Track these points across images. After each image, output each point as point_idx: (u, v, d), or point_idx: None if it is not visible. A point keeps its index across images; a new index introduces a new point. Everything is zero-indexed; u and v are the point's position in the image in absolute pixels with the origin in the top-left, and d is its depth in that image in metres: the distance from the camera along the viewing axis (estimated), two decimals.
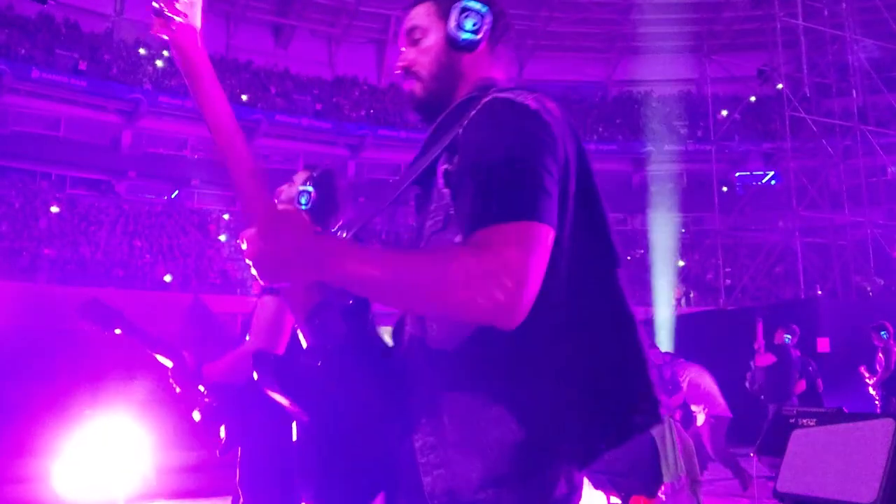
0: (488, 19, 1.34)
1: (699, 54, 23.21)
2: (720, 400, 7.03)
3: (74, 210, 22.48)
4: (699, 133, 27.45)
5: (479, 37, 1.33)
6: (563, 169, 1.15)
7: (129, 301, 18.31)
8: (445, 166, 1.20)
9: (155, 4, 1.11)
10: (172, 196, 25.90)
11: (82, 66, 24.08)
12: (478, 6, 1.33)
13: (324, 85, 29.20)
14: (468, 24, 1.32)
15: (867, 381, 7.87)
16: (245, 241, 1.08)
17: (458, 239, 1.14)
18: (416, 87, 1.35)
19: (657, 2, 24.90)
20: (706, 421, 6.94)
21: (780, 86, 18.32)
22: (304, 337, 1.27)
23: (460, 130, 1.19)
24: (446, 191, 1.19)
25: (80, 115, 24.40)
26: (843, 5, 19.03)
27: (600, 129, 30.38)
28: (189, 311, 18.59)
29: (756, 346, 7.48)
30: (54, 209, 21.90)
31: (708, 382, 7.08)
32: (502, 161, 1.11)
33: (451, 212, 1.18)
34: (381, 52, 30.48)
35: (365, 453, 1.19)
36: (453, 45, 1.33)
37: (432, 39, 1.34)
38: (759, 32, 20.42)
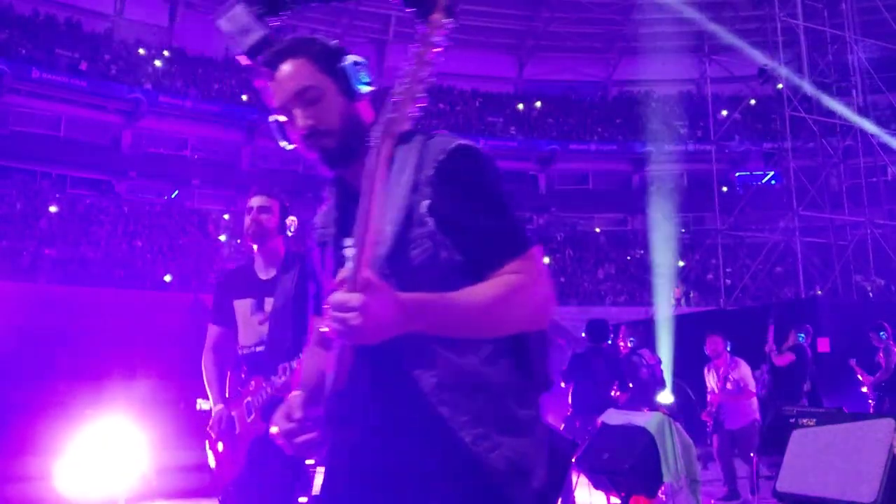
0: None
1: (699, 54, 23.20)
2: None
3: (74, 210, 22.48)
4: (699, 133, 27.45)
5: (373, 87, 1.50)
6: None
7: (129, 301, 18.30)
8: (428, 201, 1.40)
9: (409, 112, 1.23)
10: (172, 196, 25.90)
11: (82, 66, 24.08)
12: (361, 59, 1.49)
13: None
14: (363, 77, 1.48)
15: (860, 377, 7.84)
16: (338, 305, 1.19)
17: (457, 258, 1.40)
18: (329, 143, 1.48)
19: (657, 2, 24.89)
20: (750, 423, 6.86)
21: (780, 86, 18.32)
22: (340, 375, 1.33)
23: (431, 172, 1.40)
24: (430, 219, 1.40)
25: (81, 115, 24.41)
26: (843, 5, 19.03)
27: (600, 129, 30.39)
28: (189, 311, 18.58)
29: (767, 350, 7.37)
30: (54, 209, 21.90)
31: (753, 384, 7.08)
32: (500, 204, 1.42)
33: (438, 238, 1.40)
34: (381, 52, 30.49)
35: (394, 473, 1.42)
36: (353, 97, 1.48)
37: (330, 96, 1.48)
38: (760, 32, 20.41)
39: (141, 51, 26.22)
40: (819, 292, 18.26)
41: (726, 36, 19.98)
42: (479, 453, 1.36)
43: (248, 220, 3.06)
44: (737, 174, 28.73)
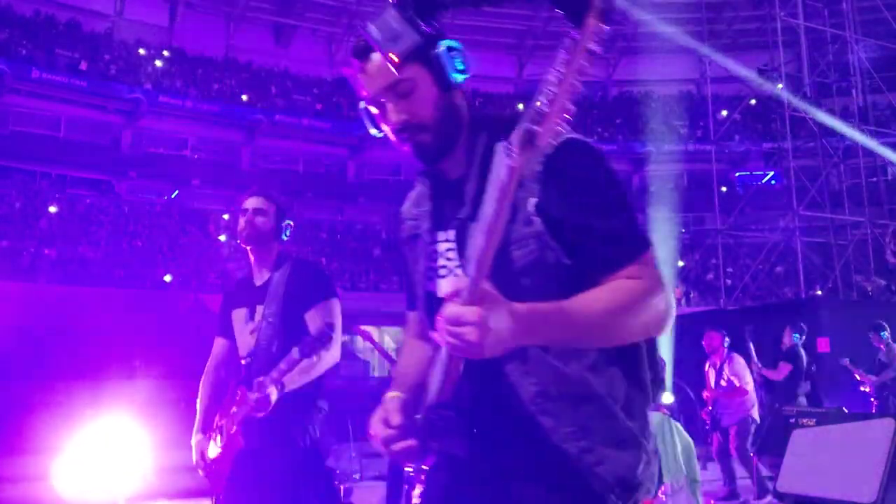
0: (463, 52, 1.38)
1: (699, 54, 23.19)
2: (754, 400, 6.95)
3: (74, 210, 22.48)
4: (699, 133, 27.43)
5: (469, 74, 1.37)
6: None
7: (129, 301, 18.29)
8: (535, 199, 1.30)
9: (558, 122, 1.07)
10: (172, 196, 25.89)
11: (82, 66, 24.07)
12: (456, 44, 1.36)
13: (324, 85, 29.20)
14: (459, 65, 1.36)
15: (857, 377, 7.77)
16: (453, 319, 1.12)
17: (565, 261, 1.31)
18: (425, 138, 1.37)
19: (657, 2, 24.89)
20: (741, 420, 6.85)
21: (780, 85, 18.31)
22: (447, 386, 1.28)
23: (539, 168, 1.28)
24: (537, 219, 1.30)
25: (80, 115, 24.39)
26: (844, 5, 19.02)
27: (600, 129, 30.36)
28: (189, 311, 18.57)
29: (754, 369, 7.25)
30: (54, 209, 21.89)
31: (750, 381, 6.99)
32: (614, 202, 1.32)
33: (545, 239, 1.31)
34: None
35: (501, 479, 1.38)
36: (448, 86, 1.36)
37: (424, 88, 1.36)
38: (760, 32, 20.41)
39: (141, 51, 26.20)
40: (819, 292, 18.26)
41: (719, 58, 19.93)
42: (583, 466, 1.30)
43: (242, 221, 2.92)
44: (737, 174, 28.71)
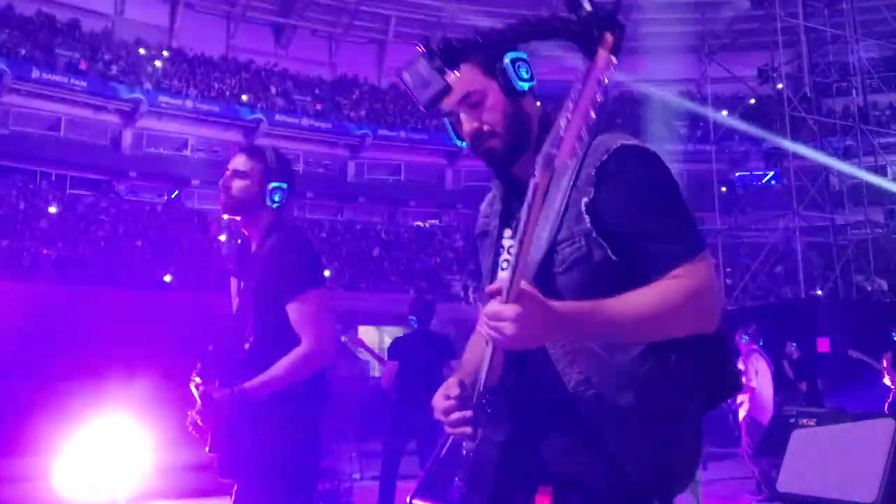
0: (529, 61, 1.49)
1: (699, 54, 23.20)
2: (769, 402, 6.87)
3: (74, 210, 22.47)
4: (699, 133, 27.44)
5: (534, 81, 1.49)
6: None
7: (129, 301, 18.29)
8: (586, 199, 1.40)
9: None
10: (172, 196, 25.89)
11: (82, 66, 24.07)
12: (522, 55, 1.48)
13: (324, 85, 29.19)
14: (524, 74, 1.47)
15: (888, 379, 7.60)
16: (493, 315, 1.22)
17: (613, 259, 1.39)
18: (496, 144, 1.49)
19: (657, 2, 24.89)
20: (745, 418, 6.82)
21: (780, 86, 18.32)
22: (491, 373, 1.36)
23: (592, 171, 1.40)
24: (587, 216, 1.39)
25: (80, 115, 24.40)
26: (844, 5, 19.04)
27: None
28: (189, 311, 18.56)
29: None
30: (54, 209, 21.89)
31: (768, 382, 6.93)
32: (665, 205, 1.40)
33: (593, 237, 1.39)
34: (381, 52, 30.46)
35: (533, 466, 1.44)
36: (515, 95, 1.47)
37: (493, 98, 1.48)
38: (760, 32, 20.42)
39: (141, 51, 26.20)
40: (819, 292, 18.26)
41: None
42: (618, 456, 1.35)
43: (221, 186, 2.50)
44: (737, 174, 28.72)
